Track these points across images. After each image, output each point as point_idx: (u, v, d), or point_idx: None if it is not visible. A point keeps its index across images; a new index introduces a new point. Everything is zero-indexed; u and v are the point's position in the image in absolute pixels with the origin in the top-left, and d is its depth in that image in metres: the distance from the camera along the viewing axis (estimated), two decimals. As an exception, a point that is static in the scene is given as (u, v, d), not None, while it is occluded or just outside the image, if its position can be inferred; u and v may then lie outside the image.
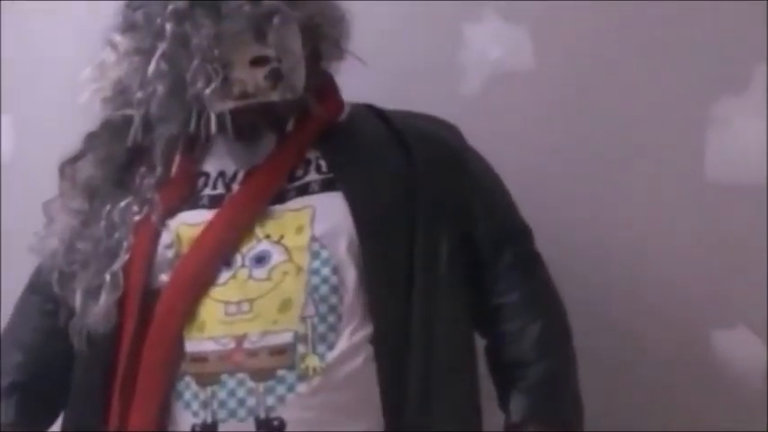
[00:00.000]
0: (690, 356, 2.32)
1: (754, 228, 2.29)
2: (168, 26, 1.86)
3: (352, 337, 1.83)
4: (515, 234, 2.02)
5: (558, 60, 2.41)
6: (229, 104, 1.89)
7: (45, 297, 2.00)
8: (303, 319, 1.82)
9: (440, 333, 1.87)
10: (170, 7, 1.86)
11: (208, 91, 1.85)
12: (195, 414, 1.83)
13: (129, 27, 1.93)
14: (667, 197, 2.35)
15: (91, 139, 1.98)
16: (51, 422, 2.04)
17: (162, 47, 1.87)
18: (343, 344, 1.82)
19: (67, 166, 1.98)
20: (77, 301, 1.90)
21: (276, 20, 1.87)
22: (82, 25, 2.30)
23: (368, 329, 1.85)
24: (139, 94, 1.90)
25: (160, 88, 1.88)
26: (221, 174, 1.97)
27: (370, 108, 2.07)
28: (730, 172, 2.31)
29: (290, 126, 1.96)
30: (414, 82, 2.36)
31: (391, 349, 1.85)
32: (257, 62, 1.89)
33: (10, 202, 2.60)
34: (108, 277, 1.90)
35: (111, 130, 1.96)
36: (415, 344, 1.85)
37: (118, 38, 1.94)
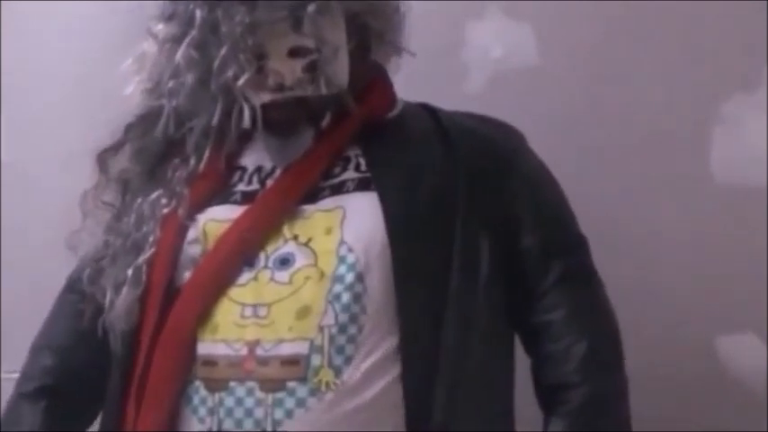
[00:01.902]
0: (692, 360, 2.26)
1: (761, 230, 2.24)
2: (198, 12, 1.78)
3: (373, 351, 1.71)
4: (567, 246, 1.86)
5: (562, 58, 2.37)
6: (266, 97, 1.80)
7: (80, 296, 1.91)
8: (321, 328, 1.70)
9: (475, 355, 1.74)
10: None
11: (240, 81, 1.76)
12: (201, 421, 1.73)
13: (168, 16, 1.84)
14: (672, 197, 2.30)
15: (128, 130, 1.90)
16: (83, 430, 1.95)
17: (192, 34, 1.79)
18: (361, 359, 1.70)
19: (103, 158, 1.90)
20: (107, 297, 1.83)
21: (313, 8, 1.76)
22: (82, 25, 2.27)
23: (391, 344, 1.72)
24: (170, 84, 1.82)
25: (189, 78, 1.80)
26: (258, 169, 1.88)
27: (425, 107, 1.96)
28: (738, 173, 2.27)
29: (326, 122, 1.84)
30: (416, 80, 2.29)
31: (418, 369, 1.72)
32: (295, 53, 1.80)
33: (10, 202, 2.56)
34: (130, 272, 1.82)
35: (146, 122, 1.88)
36: (445, 365, 1.72)
37: (158, 27, 1.86)
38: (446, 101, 2.21)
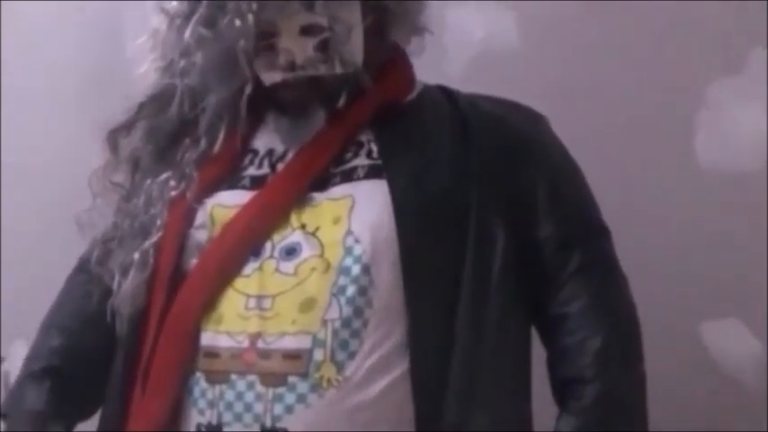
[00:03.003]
0: (680, 347, 2.20)
1: (750, 216, 2.18)
2: None
3: (378, 347, 1.66)
4: (588, 235, 1.79)
5: (543, 40, 2.31)
6: (276, 76, 1.74)
7: (90, 277, 1.86)
8: (324, 322, 1.65)
9: (489, 350, 1.68)
10: None
11: (240, 45, 1.70)
12: (201, 412, 1.69)
13: None
14: (658, 183, 2.25)
15: (140, 109, 1.84)
16: (87, 415, 1.88)
17: (200, 10, 1.73)
18: (365, 354, 1.65)
19: (114, 137, 1.84)
20: (114, 281, 1.78)
21: None
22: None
23: (397, 339, 1.67)
24: (181, 63, 1.76)
25: (200, 56, 1.74)
26: (270, 152, 1.82)
27: (444, 90, 1.88)
28: (725, 158, 2.21)
29: (342, 102, 1.77)
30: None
31: (429, 365, 1.66)
32: (307, 31, 1.74)
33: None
34: (137, 256, 1.77)
35: (159, 101, 1.82)
36: (457, 360, 1.66)
37: (170, 4, 1.80)
38: (427, 81, 2.16)
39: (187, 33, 1.74)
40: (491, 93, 2.21)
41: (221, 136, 1.80)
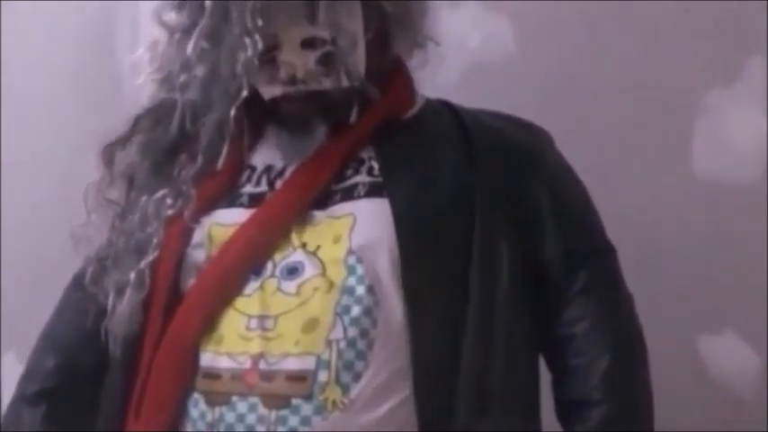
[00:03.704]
0: (677, 361, 2.16)
1: (749, 226, 2.15)
2: (208, 1, 1.68)
3: (384, 368, 1.62)
4: (593, 254, 1.77)
5: (540, 48, 2.28)
6: (277, 90, 1.71)
7: (85, 295, 1.82)
8: (329, 342, 1.62)
9: (496, 371, 1.66)
10: None
11: (242, 58, 1.66)
12: None
13: (180, 4, 1.75)
14: (655, 193, 2.22)
15: (136, 123, 1.80)
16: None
17: (202, 23, 1.69)
18: (371, 375, 1.61)
19: (109, 151, 1.80)
20: (109, 300, 1.75)
21: None
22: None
23: (404, 360, 1.64)
24: (181, 78, 1.73)
25: (201, 70, 1.70)
26: (268, 168, 1.78)
27: (446, 105, 1.85)
28: (723, 166, 2.18)
29: (352, 118, 1.74)
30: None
31: (434, 386, 1.63)
32: (309, 44, 1.70)
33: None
34: (133, 275, 1.73)
35: (156, 114, 1.78)
36: (464, 381, 1.63)
37: (169, 16, 1.76)
38: (422, 91, 2.14)
39: (189, 47, 1.70)
40: (487, 100, 2.19)
41: (224, 152, 1.76)
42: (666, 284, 2.19)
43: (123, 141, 1.80)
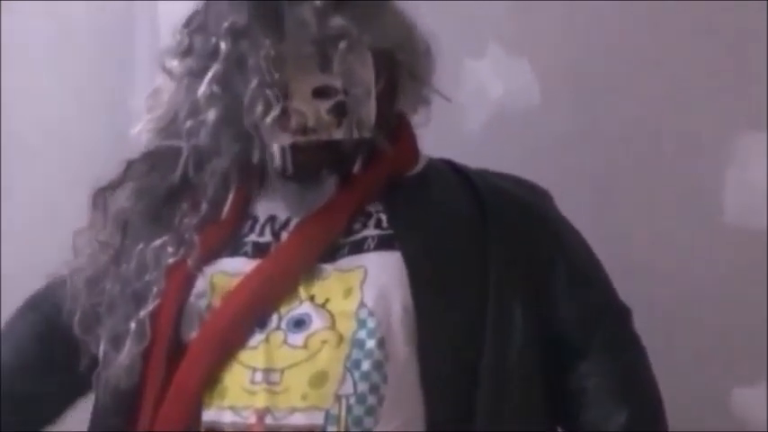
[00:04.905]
0: (706, 415, 2.14)
1: None
2: (223, 45, 1.65)
3: (395, 424, 1.59)
4: (609, 315, 1.75)
5: (565, 95, 2.26)
6: (286, 140, 1.67)
7: (42, 317, 1.80)
8: (338, 397, 1.58)
9: (510, 426, 1.63)
10: (225, 24, 1.65)
11: (268, 119, 1.63)
12: None
13: (185, 51, 1.72)
14: (681, 240, 2.19)
15: (130, 167, 1.76)
16: None
17: (215, 68, 1.66)
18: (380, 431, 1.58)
19: (101, 195, 1.76)
20: (101, 349, 1.69)
21: (344, 44, 1.64)
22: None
23: (415, 417, 1.61)
24: (188, 123, 1.69)
25: (211, 115, 1.67)
26: (271, 218, 1.75)
27: (450, 164, 1.83)
28: (752, 213, 2.15)
29: (356, 169, 1.71)
30: (412, 121, 2.21)
31: None
32: (320, 93, 1.67)
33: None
34: (133, 325, 1.68)
35: (153, 161, 1.74)
36: None
37: (173, 63, 1.73)
38: (443, 142, 2.12)
39: (200, 91, 1.66)
40: (511, 151, 2.17)
41: (230, 200, 1.73)
42: (697, 335, 2.17)
43: (115, 186, 1.76)
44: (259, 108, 1.64)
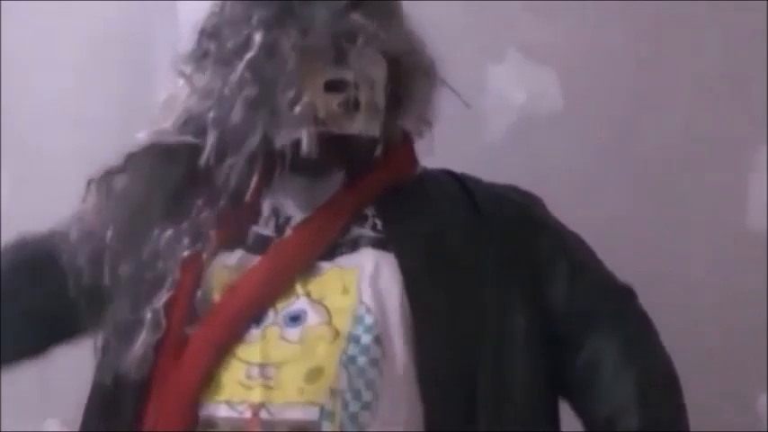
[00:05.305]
0: (736, 419, 2.14)
1: None
2: (257, 35, 1.64)
3: (391, 422, 1.58)
4: (612, 295, 1.75)
5: (588, 103, 2.26)
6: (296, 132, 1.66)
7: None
8: (333, 392, 1.57)
9: (512, 419, 1.62)
10: (257, 16, 1.65)
11: (298, 108, 1.63)
12: None
13: (201, 56, 1.72)
14: (707, 247, 2.20)
15: (130, 159, 1.74)
16: None
17: (249, 55, 1.65)
18: (377, 428, 1.57)
19: (97, 182, 1.74)
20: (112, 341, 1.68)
21: (362, 39, 1.65)
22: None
23: (412, 415, 1.60)
24: (212, 113, 1.68)
25: (243, 97, 1.65)
26: (275, 212, 1.75)
27: (445, 172, 1.83)
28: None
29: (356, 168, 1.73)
30: (433, 128, 2.19)
31: None
32: (332, 87, 1.67)
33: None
34: (149, 315, 1.67)
35: (157, 154, 1.72)
36: None
37: (189, 69, 1.73)
38: (465, 148, 2.10)
39: (234, 77, 1.65)
40: (533, 159, 2.16)
41: (249, 192, 1.72)
42: (724, 341, 2.17)
43: (114, 174, 1.74)
44: (289, 95, 1.64)
